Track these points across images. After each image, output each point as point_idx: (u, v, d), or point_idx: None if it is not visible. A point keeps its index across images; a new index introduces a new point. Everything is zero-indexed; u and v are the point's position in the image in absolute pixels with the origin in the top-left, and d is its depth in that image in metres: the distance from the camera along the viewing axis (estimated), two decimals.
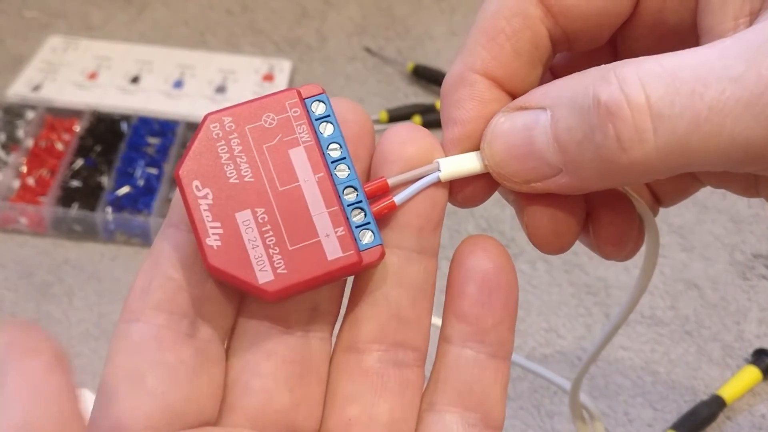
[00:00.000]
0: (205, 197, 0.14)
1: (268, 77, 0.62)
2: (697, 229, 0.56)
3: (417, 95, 0.65)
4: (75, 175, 0.51)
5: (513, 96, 0.16)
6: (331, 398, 0.16)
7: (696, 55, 0.13)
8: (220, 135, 0.15)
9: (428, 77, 0.65)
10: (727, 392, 0.43)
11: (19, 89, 0.57)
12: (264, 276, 0.14)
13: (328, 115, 0.16)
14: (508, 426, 0.41)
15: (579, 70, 0.15)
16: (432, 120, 0.61)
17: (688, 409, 0.42)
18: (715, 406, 0.42)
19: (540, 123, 0.14)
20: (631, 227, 0.18)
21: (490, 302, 0.17)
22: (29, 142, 0.53)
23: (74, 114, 0.56)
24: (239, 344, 0.16)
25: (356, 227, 0.15)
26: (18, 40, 0.65)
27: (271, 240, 0.14)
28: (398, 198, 0.16)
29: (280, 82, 0.61)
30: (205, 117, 0.15)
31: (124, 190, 0.50)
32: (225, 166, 0.14)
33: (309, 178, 0.15)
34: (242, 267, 0.14)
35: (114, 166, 0.51)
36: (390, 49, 0.70)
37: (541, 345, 0.46)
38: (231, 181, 0.14)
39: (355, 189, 0.15)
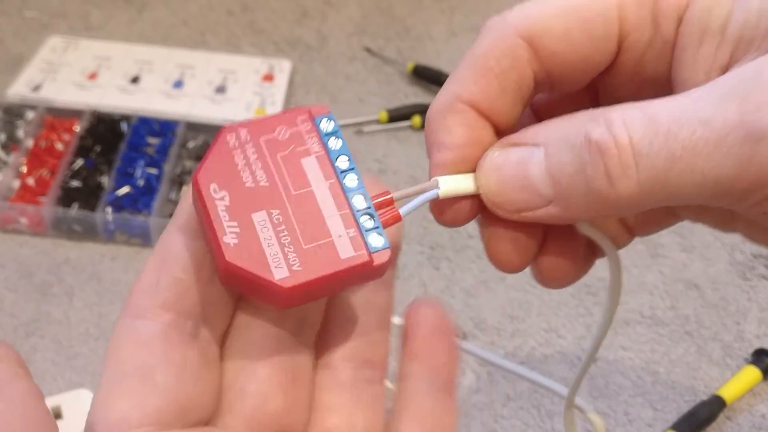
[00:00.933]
0: (222, 199, 0.15)
1: (268, 77, 0.62)
2: (696, 229, 0.56)
3: (417, 95, 0.65)
4: (75, 175, 0.51)
5: (496, 127, 0.18)
6: (314, 408, 0.17)
7: (672, 101, 0.15)
8: (236, 144, 0.15)
9: (428, 77, 0.65)
10: (727, 392, 0.43)
11: (19, 89, 0.57)
12: (279, 272, 0.14)
13: (336, 131, 0.16)
14: (508, 426, 0.41)
15: (559, 110, 0.16)
16: None
17: (688, 409, 0.42)
18: (715, 406, 0.42)
19: (534, 158, 0.16)
20: (573, 261, 0.19)
21: (440, 344, 0.18)
22: (29, 142, 0.53)
23: (74, 114, 0.56)
24: (234, 348, 0.17)
25: (366, 231, 0.16)
26: (18, 40, 0.65)
27: (286, 239, 0.15)
28: (402, 210, 0.17)
29: (280, 82, 0.61)
30: (222, 129, 0.16)
31: (124, 190, 0.50)
32: (241, 171, 0.15)
33: (321, 184, 0.15)
34: (258, 263, 0.14)
35: (114, 166, 0.51)
36: (390, 49, 0.70)
37: (541, 345, 0.46)
38: (247, 185, 0.15)
39: (364, 197, 0.16)
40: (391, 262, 0.17)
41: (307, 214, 0.15)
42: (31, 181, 0.50)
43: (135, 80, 0.59)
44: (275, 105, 0.58)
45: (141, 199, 0.50)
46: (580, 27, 0.17)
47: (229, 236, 0.14)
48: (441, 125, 0.17)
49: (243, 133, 0.15)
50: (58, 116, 0.56)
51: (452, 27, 0.74)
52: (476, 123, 0.17)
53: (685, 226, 0.56)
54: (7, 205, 0.48)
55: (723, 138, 0.14)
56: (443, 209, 0.18)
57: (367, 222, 0.16)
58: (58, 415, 0.37)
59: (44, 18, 0.68)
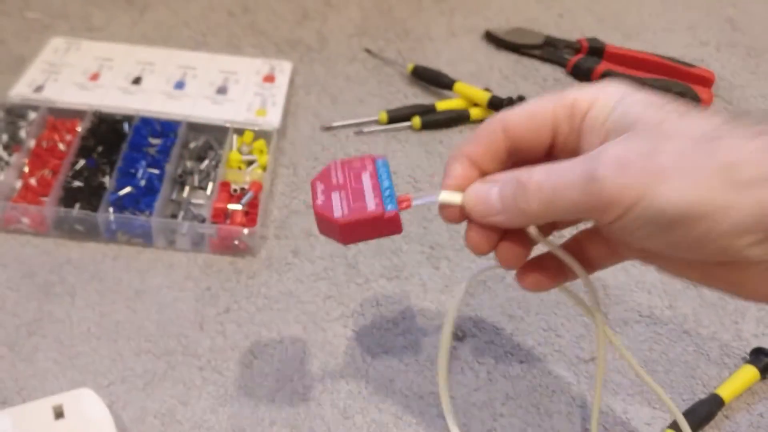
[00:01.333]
0: (320, 186, 0.32)
1: (269, 78, 0.62)
2: None
3: (417, 96, 0.65)
4: (77, 175, 0.51)
5: (480, 170, 0.32)
6: None
7: (562, 162, 0.28)
8: (331, 167, 0.32)
9: (428, 78, 0.65)
10: (726, 391, 0.43)
11: (21, 90, 0.57)
12: (337, 214, 0.30)
13: (385, 165, 0.32)
14: (507, 425, 0.42)
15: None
16: (430, 121, 0.61)
17: (687, 408, 0.43)
18: (713, 404, 0.42)
19: (493, 189, 0.30)
20: (521, 250, 0.32)
21: None
22: (31, 143, 0.53)
23: (76, 114, 0.56)
24: None
25: (384, 201, 0.31)
26: (20, 41, 0.65)
27: (346, 202, 0.31)
28: (414, 201, 0.31)
29: (281, 83, 0.61)
30: (330, 162, 0.33)
31: (126, 190, 0.50)
32: (331, 177, 0.32)
33: (367, 183, 0.32)
34: (329, 210, 0.31)
35: (116, 166, 0.52)
36: (390, 50, 0.70)
37: (539, 344, 0.46)
38: (332, 182, 0.32)
39: (390, 190, 0.31)
40: (397, 220, 0.31)
41: (357, 193, 0.31)
42: (33, 182, 0.51)
43: (137, 81, 0.60)
44: (276, 106, 0.59)
45: (143, 199, 0.50)
46: (531, 124, 0.31)
47: (319, 199, 0.31)
48: (450, 164, 0.32)
49: (338, 163, 0.33)
50: (60, 117, 0.56)
51: (452, 28, 0.74)
52: (468, 167, 0.32)
53: None
54: (10, 205, 0.48)
55: (576, 180, 0.27)
56: (444, 211, 0.32)
57: (387, 200, 0.31)
58: (60, 414, 0.37)
59: (46, 19, 0.68)
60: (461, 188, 0.31)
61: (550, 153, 0.31)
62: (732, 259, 0.26)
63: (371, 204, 0.30)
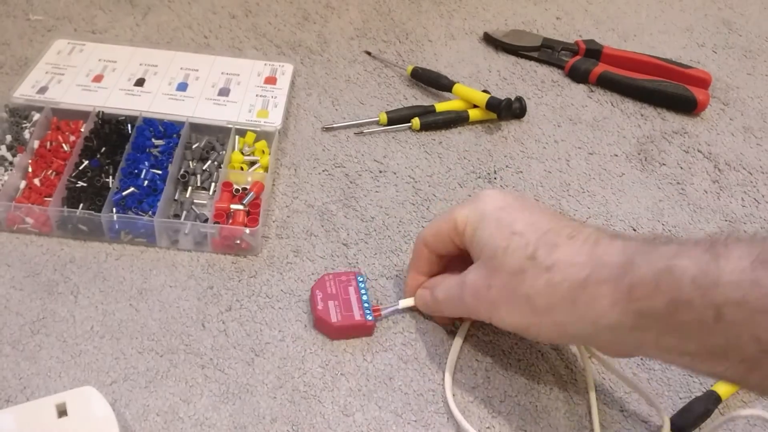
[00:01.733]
0: (319, 295, 0.46)
1: (271, 80, 0.62)
2: (691, 228, 0.56)
3: (416, 97, 0.66)
4: (80, 175, 0.52)
5: (427, 275, 0.46)
6: None
7: (452, 281, 0.42)
8: (326, 279, 0.47)
9: (427, 80, 0.66)
10: (723, 388, 0.44)
11: (25, 91, 0.58)
12: (334, 319, 0.44)
13: (363, 281, 0.47)
14: (505, 422, 0.42)
15: (453, 263, 0.45)
16: (430, 122, 0.62)
17: (684, 405, 0.43)
18: (710, 401, 0.43)
19: (429, 295, 0.44)
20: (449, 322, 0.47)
21: None
22: (35, 144, 0.54)
23: (80, 115, 0.57)
24: None
25: (365, 313, 0.45)
26: (24, 43, 0.66)
27: (338, 309, 0.45)
28: (383, 311, 0.46)
29: (283, 85, 0.62)
30: (323, 276, 0.47)
31: (129, 190, 0.51)
32: (327, 287, 0.46)
33: (353, 296, 0.46)
34: (328, 316, 0.44)
35: (119, 167, 0.52)
36: (390, 52, 0.71)
37: (537, 343, 0.46)
38: (328, 291, 0.46)
39: (368, 304, 0.46)
40: (372, 327, 0.45)
41: (346, 304, 0.45)
42: (37, 182, 0.51)
43: (140, 82, 0.60)
44: (277, 107, 0.59)
45: (146, 200, 0.50)
46: (438, 240, 0.43)
47: (319, 305, 0.45)
48: (407, 278, 0.47)
49: (331, 276, 0.47)
50: (63, 118, 0.57)
51: (450, 30, 0.75)
52: (418, 277, 0.46)
53: (680, 225, 0.57)
54: (14, 206, 0.49)
55: (456, 299, 0.41)
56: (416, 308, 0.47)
57: (366, 312, 0.45)
58: (63, 412, 0.38)
59: (50, 21, 0.69)
60: (415, 290, 0.46)
61: (463, 254, 0.42)
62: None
63: (357, 314, 0.44)
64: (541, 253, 0.35)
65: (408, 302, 0.46)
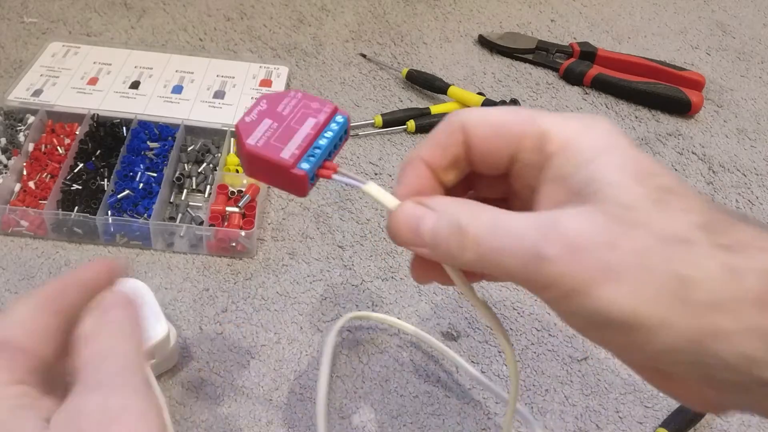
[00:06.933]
0: (262, 105, 0.28)
1: (266, 82, 0.62)
2: None
3: (411, 100, 0.66)
4: (75, 178, 0.52)
5: (439, 180, 0.28)
6: None
7: (511, 216, 0.24)
8: (290, 95, 0.29)
9: (422, 82, 0.66)
10: None
11: (19, 94, 0.58)
12: (252, 141, 0.27)
13: (340, 124, 0.28)
14: (501, 423, 0.42)
15: (484, 189, 0.29)
16: (425, 124, 0.62)
17: (678, 406, 0.43)
18: None
19: (428, 219, 0.25)
20: (431, 276, 0.28)
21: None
22: (30, 146, 0.54)
23: (75, 118, 0.57)
24: None
25: (305, 159, 0.27)
26: (19, 46, 0.66)
27: (268, 134, 0.27)
28: (336, 177, 0.27)
29: (278, 87, 0.62)
30: (290, 90, 0.29)
31: (124, 193, 0.51)
32: (281, 103, 0.28)
33: (305, 130, 0.27)
34: (247, 132, 0.27)
35: (114, 169, 0.52)
36: (385, 55, 0.71)
37: (533, 344, 0.47)
38: (278, 109, 0.28)
39: (321, 151, 0.27)
40: (304, 183, 0.27)
41: (287, 133, 0.27)
42: (32, 185, 0.51)
43: (135, 85, 0.60)
44: None
45: (141, 202, 0.50)
46: (493, 138, 0.26)
47: (248, 117, 0.27)
48: (405, 169, 0.27)
49: (299, 94, 0.29)
50: (58, 120, 0.56)
51: (445, 33, 0.75)
52: (422, 172, 0.27)
53: None
54: (9, 209, 0.49)
55: (520, 251, 0.23)
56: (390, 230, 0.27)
57: (309, 158, 0.27)
58: None
59: (44, 23, 0.69)
60: (406, 196, 0.27)
61: (507, 173, 0.28)
62: (658, 368, 0.24)
63: (287, 152, 0.26)
64: (718, 226, 0.23)
65: (383, 197, 0.27)
